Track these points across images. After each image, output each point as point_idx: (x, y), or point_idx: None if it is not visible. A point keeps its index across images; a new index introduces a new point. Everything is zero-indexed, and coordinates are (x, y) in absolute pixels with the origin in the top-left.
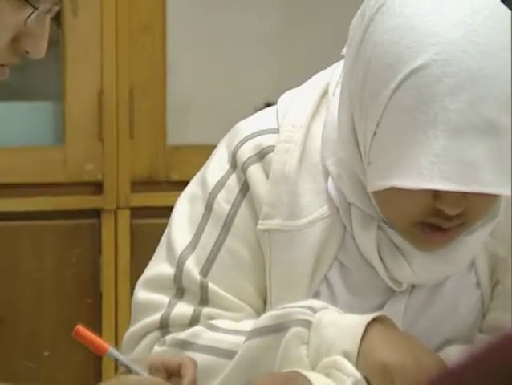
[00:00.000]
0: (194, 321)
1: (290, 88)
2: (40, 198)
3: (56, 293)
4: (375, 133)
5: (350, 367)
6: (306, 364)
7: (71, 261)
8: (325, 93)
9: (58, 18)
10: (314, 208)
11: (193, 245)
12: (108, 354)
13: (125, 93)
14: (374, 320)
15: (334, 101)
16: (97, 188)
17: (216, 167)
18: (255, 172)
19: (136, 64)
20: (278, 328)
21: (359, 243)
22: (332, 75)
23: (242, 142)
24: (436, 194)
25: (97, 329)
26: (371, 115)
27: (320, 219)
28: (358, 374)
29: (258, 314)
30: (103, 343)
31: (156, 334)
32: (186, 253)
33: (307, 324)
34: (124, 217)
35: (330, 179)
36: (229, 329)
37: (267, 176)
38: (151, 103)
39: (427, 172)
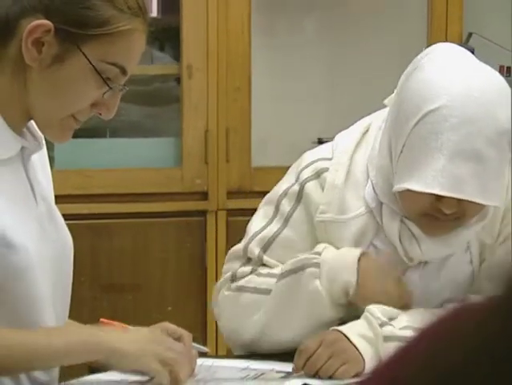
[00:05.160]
0: (253, 270)
1: (334, 127)
2: (165, 203)
3: (176, 267)
4: (401, 151)
5: (376, 311)
6: (321, 293)
7: (186, 246)
8: (366, 131)
9: (178, 80)
10: (354, 209)
11: (260, 231)
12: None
13: (223, 131)
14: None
15: (372, 136)
16: (203, 196)
17: (285, 182)
18: (312, 185)
19: (231, 112)
20: (297, 270)
21: (387, 231)
22: (372, 121)
23: (305, 167)
24: (438, 197)
25: (203, 291)
26: (400, 139)
27: (359, 216)
28: (383, 318)
29: None
30: (124, 325)
31: (228, 285)
32: (254, 236)
33: (317, 265)
34: (222, 216)
35: (367, 188)
36: (268, 273)
37: (322, 188)
38: (240, 138)
39: (430, 182)
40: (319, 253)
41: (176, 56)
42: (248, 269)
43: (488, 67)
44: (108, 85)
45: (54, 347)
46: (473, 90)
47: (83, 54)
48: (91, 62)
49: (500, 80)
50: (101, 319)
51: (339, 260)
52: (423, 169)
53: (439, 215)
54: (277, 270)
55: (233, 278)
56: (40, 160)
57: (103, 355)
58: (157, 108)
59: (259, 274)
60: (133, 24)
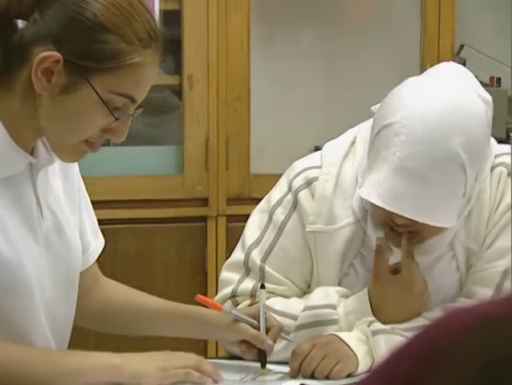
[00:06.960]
0: (253, 293)
1: (329, 136)
2: (166, 209)
3: (177, 271)
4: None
5: (366, 314)
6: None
7: (187, 250)
8: (353, 142)
9: (179, 91)
10: (343, 218)
11: (258, 241)
12: (224, 310)
13: (223, 140)
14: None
15: (359, 146)
16: (204, 202)
17: (278, 191)
18: (304, 195)
19: (230, 121)
20: (317, 324)
21: (372, 240)
22: (359, 130)
23: (296, 175)
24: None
25: (203, 295)
26: (368, 150)
27: (348, 225)
28: (371, 318)
29: (299, 288)
30: (218, 304)
31: (229, 303)
32: (253, 246)
33: (336, 321)
34: (222, 222)
35: (354, 198)
36: (280, 311)
37: (313, 196)
38: (240, 146)
39: (370, 190)
40: (334, 307)
41: (178, 67)
42: (249, 285)
43: (466, 94)
44: (114, 116)
45: (70, 366)
46: (430, 113)
47: (92, 86)
48: (98, 95)
49: (470, 109)
50: (198, 296)
51: (355, 312)
52: (368, 177)
53: (393, 226)
54: (290, 309)
55: (234, 295)
56: (62, 171)
57: (124, 378)
58: (159, 118)
59: (269, 308)
60: (143, 56)
